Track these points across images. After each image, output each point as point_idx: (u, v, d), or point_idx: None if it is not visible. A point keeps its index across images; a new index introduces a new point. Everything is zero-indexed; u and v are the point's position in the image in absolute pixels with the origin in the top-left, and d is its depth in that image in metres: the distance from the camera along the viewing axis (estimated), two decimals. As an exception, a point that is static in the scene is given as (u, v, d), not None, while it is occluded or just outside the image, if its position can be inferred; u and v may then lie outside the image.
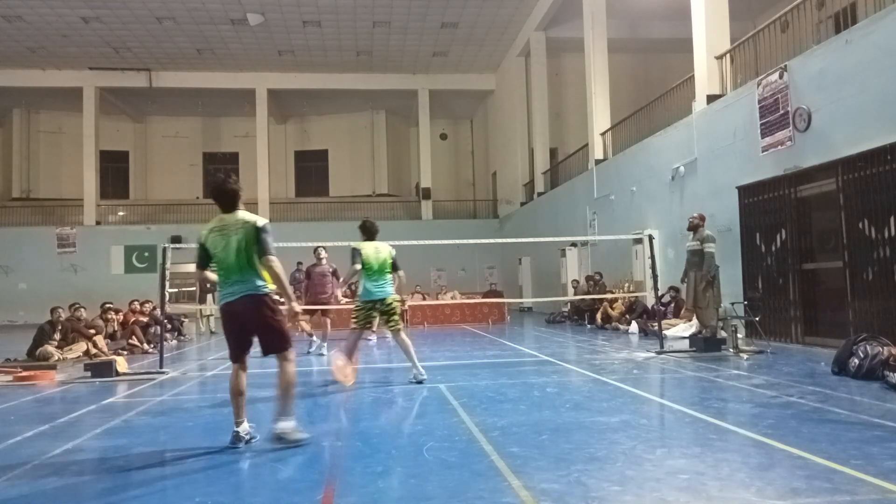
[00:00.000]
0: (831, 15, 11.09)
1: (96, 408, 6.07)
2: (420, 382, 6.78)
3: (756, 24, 14.45)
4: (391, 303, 6.96)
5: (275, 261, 4.34)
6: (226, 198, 4.53)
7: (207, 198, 28.72)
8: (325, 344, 10.44)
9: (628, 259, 14.69)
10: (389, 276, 7.04)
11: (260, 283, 4.37)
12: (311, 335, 10.94)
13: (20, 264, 24.60)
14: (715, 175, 11.44)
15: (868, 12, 8.65)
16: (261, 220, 4.43)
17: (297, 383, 4.46)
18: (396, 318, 7.03)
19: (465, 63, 25.23)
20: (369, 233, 7.15)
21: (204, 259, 4.50)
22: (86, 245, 24.77)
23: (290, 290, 4.46)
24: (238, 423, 4.39)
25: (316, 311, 10.85)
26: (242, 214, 4.48)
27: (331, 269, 11.17)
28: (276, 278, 4.33)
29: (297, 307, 4.46)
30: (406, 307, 8.31)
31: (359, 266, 6.85)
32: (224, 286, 4.43)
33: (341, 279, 7.57)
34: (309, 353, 10.31)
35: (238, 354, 4.50)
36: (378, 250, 6.99)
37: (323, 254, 11.14)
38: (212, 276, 4.59)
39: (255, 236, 4.35)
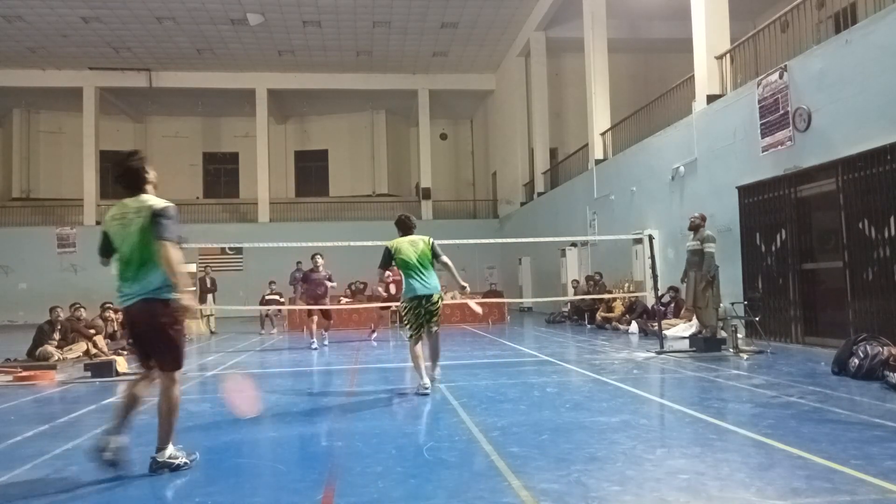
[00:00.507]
0: (831, 15, 11.08)
1: (96, 408, 6.07)
2: (435, 381, 6.55)
3: (756, 24, 14.45)
4: (437, 301, 6.46)
5: (169, 246, 3.66)
6: (127, 177, 3.85)
7: (208, 197, 29.04)
8: (325, 334, 11.28)
9: (628, 259, 14.69)
10: (433, 272, 6.52)
11: (160, 284, 3.72)
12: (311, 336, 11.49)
13: (20, 264, 24.61)
14: (715, 175, 11.44)
15: (868, 12, 8.65)
16: (161, 203, 3.75)
17: (179, 407, 3.85)
18: (438, 318, 6.54)
19: (465, 63, 25.23)
20: (405, 227, 6.72)
21: (106, 248, 3.90)
22: (86, 245, 24.75)
23: (183, 280, 3.74)
24: (115, 432, 3.74)
25: (315, 310, 11.52)
26: (146, 198, 3.80)
27: (326, 275, 11.81)
28: (168, 265, 3.65)
29: (191, 302, 3.79)
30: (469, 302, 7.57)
31: (384, 269, 6.62)
32: (121, 285, 3.81)
33: (379, 282, 7.12)
34: (315, 349, 10.96)
35: (143, 361, 3.95)
36: (414, 243, 6.55)
37: (320, 261, 11.72)
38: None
39: (152, 221, 3.69)
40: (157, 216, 3.69)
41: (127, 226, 3.75)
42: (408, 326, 6.53)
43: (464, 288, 6.69)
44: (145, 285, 3.72)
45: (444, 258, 6.55)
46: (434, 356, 6.64)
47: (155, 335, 3.76)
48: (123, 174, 3.86)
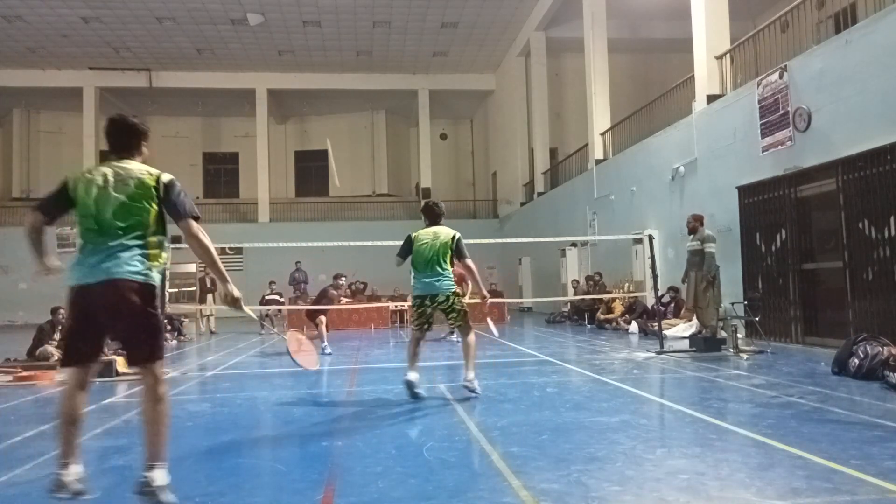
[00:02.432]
0: (831, 15, 11.09)
1: (96, 408, 6.06)
2: (469, 388, 5.97)
3: (756, 24, 14.45)
4: (447, 300, 6.01)
5: (199, 226, 3.17)
6: (125, 136, 3.34)
7: (208, 197, 29.02)
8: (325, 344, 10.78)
9: (628, 259, 14.69)
10: (447, 271, 6.04)
11: (142, 265, 3.09)
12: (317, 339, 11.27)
13: (20, 264, 24.54)
14: (715, 175, 11.44)
15: (868, 12, 8.66)
16: (169, 175, 3.25)
17: (169, 413, 3.17)
18: (455, 315, 6.08)
19: (465, 63, 25.22)
20: (432, 215, 6.23)
21: (53, 203, 3.23)
22: (86, 245, 24.74)
23: (223, 268, 3.24)
24: (64, 465, 3.00)
25: (321, 314, 11.31)
26: (142, 165, 3.30)
27: (339, 295, 11.84)
28: (206, 251, 3.13)
29: (236, 291, 3.27)
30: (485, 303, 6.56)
31: (399, 259, 6.20)
32: (85, 256, 3.11)
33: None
34: (327, 353, 10.48)
35: (79, 358, 3.12)
36: (435, 235, 6.06)
37: (342, 282, 11.80)
38: (38, 225, 3.31)
39: (159, 193, 3.15)
40: (170, 188, 3.17)
41: (108, 185, 3.12)
42: (412, 323, 6.31)
43: (485, 297, 6.33)
44: (121, 262, 3.03)
45: (468, 261, 6.10)
46: (465, 358, 6.06)
47: (130, 317, 3.06)
48: (122, 131, 3.34)
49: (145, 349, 3.12)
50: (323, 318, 11.35)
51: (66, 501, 2.97)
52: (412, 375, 5.94)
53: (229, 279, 3.25)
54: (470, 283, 6.20)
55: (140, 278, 3.08)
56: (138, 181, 3.17)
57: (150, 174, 3.22)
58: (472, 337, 6.08)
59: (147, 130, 3.43)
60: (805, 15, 9.93)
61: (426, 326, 6.21)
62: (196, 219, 3.19)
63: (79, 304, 3.10)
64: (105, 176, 3.17)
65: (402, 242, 6.20)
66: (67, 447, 3.04)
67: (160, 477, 3.02)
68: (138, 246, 3.12)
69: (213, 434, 4.85)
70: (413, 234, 6.17)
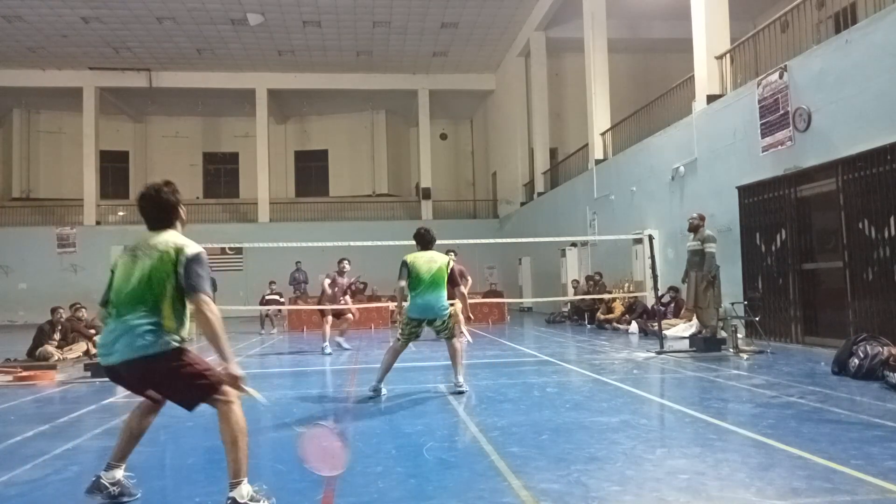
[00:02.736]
0: (831, 15, 11.09)
1: (96, 408, 6.07)
2: (460, 392, 6.16)
3: (756, 24, 14.46)
4: (443, 323, 6.28)
5: (208, 302, 3.08)
6: (157, 211, 3.27)
7: (208, 197, 29.03)
8: (341, 338, 11.25)
9: (628, 259, 14.69)
10: (443, 292, 6.25)
11: (153, 335, 3.05)
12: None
13: (20, 264, 24.60)
14: (715, 175, 11.44)
15: (868, 12, 8.65)
16: (194, 246, 3.20)
17: (246, 431, 3.15)
18: (447, 332, 6.36)
19: (465, 63, 25.22)
20: (424, 241, 6.43)
21: (109, 290, 3.24)
22: (86, 245, 24.75)
23: (227, 346, 3.11)
24: (111, 467, 3.27)
25: (328, 312, 11.29)
26: (174, 236, 3.25)
27: (350, 281, 11.73)
28: (207, 327, 3.05)
29: (237, 369, 3.12)
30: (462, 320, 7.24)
31: (403, 282, 6.26)
32: (104, 331, 3.16)
33: (396, 302, 6.63)
34: (326, 353, 10.56)
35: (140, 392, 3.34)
36: (432, 260, 6.28)
37: (347, 267, 11.47)
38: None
39: (176, 265, 3.10)
40: (191, 262, 3.10)
41: (138, 260, 3.14)
42: (399, 333, 6.43)
43: (469, 318, 6.72)
44: (134, 339, 3.03)
45: (462, 289, 6.44)
46: (454, 363, 6.36)
47: (170, 386, 3.15)
48: (154, 207, 3.26)
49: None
50: (349, 315, 11.37)
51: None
52: (382, 387, 6.21)
53: (232, 359, 3.15)
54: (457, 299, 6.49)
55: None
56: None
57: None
58: (457, 343, 6.40)
59: (177, 201, 3.35)
60: (805, 15, 9.92)
61: (413, 340, 6.43)
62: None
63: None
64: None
65: (399, 269, 6.30)
66: (118, 451, 3.31)
67: (245, 491, 3.06)
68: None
69: (213, 434, 4.81)
70: (408, 258, 6.32)
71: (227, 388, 3.14)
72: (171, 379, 3.10)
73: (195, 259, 3.13)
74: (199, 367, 3.14)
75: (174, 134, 29.88)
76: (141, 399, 3.34)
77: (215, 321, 3.05)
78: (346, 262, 11.41)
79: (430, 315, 6.20)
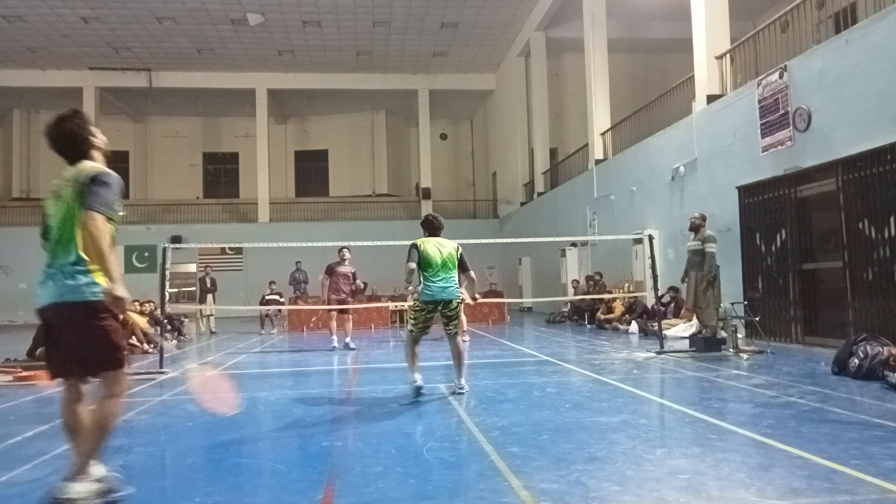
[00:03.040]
0: (831, 15, 11.08)
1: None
2: (461, 393, 6.07)
3: (756, 24, 14.46)
4: (457, 307, 6.13)
5: (98, 218, 2.93)
6: (63, 142, 3.18)
7: (208, 197, 29.03)
8: (349, 340, 11.08)
9: (628, 259, 14.70)
10: (455, 275, 6.14)
11: (83, 281, 2.98)
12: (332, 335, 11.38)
13: (20, 264, 24.57)
14: (715, 175, 11.44)
15: (868, 12, 8.65)
16: (99, 167, 3.11)
17: (113, 429, 3.10)
18: (457, 322, 6.25)
19: (465, 63, 25.23)
20: (432, 228, 6.31)
21: (45, 229, 3.18)
22: (86, 245, 24.73)
23: (113, 266, 2.97)
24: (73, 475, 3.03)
25: (336, 310, 11.27)
26: (83, 166, 3.12)
27: (352, 271, 11.43)
28: (92, 242, 2.92)
29: (121, 291, 2.96)
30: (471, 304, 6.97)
31: (413, 264, 6.01)
32: (42, 275, 3.08)
33: (406, 282, 6.19)
34: (334, 348, 10.83)
35: (61, 369, 3.14)
36: (441, 245, 6.15)
37: (347, 255, 11.31)
38: None
39: (83, 190, 2.97)
40: (91, 183, 2.98)
41: (59, 199, 3.05)
42: (412, 324, 6.21)
43: (475, 299, 6.70)
44: (64, 279, 2.97)
45: (472, 273, 6.28)
46: (458, 363, 6.24)
47: (81, 339, 3.01)
48: (58, 138, 3.16)
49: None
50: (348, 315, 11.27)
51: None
52: (419, 379, 5.99)
53: (118, 279, 3.01)
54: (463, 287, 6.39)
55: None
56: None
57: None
58: (461, 342, 6.32)
59: (84, 127, 3.26)
60: (805, 15, 9.93)
61: (427, 331, 6.22)
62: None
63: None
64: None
65: (409, 252, 6.10)
66: (72, 455, 3.10)
67: (79, 489, 2.96)
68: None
69: (213, 434, 4.85)
70: (417, 241, 6.18)
71: (124, 376, 3.11)
72: (87, 331, 3.01)
73: (95, 178, 3.01)
74: (116, 337, 3.08)
75: (174, 134, 29.89)
76: (63, 393, 3.21)
77: (101, 238, 2.91)
78: (345, 250, 11.27)
79: (444, 296, 6.01)
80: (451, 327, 6.25)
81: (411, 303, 6.35)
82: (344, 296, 11.23)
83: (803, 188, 9.27)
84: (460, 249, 6.25)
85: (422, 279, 6.07)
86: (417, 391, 5.95)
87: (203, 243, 19.73)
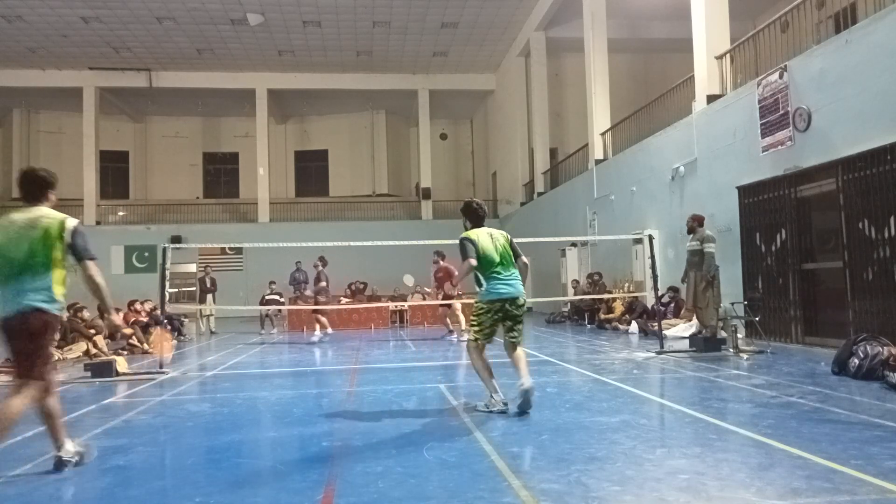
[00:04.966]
0: (831, 15, 11.08)
1: (96, 408, 6.07)
2: (529, 394, 5.23)
3: (756, 24, 14.45)
4: (523, 304, 5.41)
5: (92, 266, 3.87)
6: (32, 185, 3.93)
7: (208, 197, 29.02)
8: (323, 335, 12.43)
9: (628, 259, 14.69)
10: (515, 268, 5.43)
11: (45, 297, 3.76)
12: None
13: (20, 264, 24.57)
14: (715, 175, 11.44)
15: (868, 12, 8.65)
16: (72, 221, 3.85)
17: (12, 427, 3.65)
18: (521, 327, 5.43)
19: (465, 63, 25.22)
20: (476, 216, 5.54)
21: None
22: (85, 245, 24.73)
23: (110, 301, 3.97)
24: (58, 447, 3.84)
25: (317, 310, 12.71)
26: (47, 210, 3.89)
27: (321, 280, 13.11)
28: (96, 289, 3.85)
29: (118, 320, 3.95)
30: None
31: (474, 261, 5.25)
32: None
33: (455, 278, 5.69)
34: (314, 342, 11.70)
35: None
36: (493, 237, 5.43)
37: (319, 267, 13.13)
38: None
39: (61, 235, 3.77)
40: (75, 235, 3.78)
41: (18, 233, 3.74)
42: (476, 330, 5.39)
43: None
44: (29, 297, 3.68)
45: (525, 259, 5.56)
46: (520, 367, 5.34)
47: (27, 342, 3.68)
48: (30, 182, 3.92)
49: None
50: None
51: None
52: (501, 398, 5.29)
53: (113, 311, 4.02)
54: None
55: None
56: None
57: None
58: (521, 349, 5.49)
59: (51, 179, 3.98)
60: (805, 15, 9.92)
61: (492, 337, 5.45)
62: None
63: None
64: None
65: (463, 247, 5.35)
66: (54, 434, 3.83)
67: (70, 448, 3.80)
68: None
69: (213, 434, 4.85)
70: (471, 234, 5.41)
71: (43, 385, 3.71)
72: (33, 336, 3.67)
73: (76, 231, 3.79)
74: (48, 351, 3.78)
75: (174, 134, 29.89)
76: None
77: (101, 282, 3.83)
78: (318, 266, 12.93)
79: (514, 293, 5.30)
80: (514, 333, 5.40)
81: (464, 303, 5.64)
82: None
83: (803, 188, 9.27)
84: (510, 237, 5.62)
85: (482, 277, 5.35)
86: (504, 405, 5.23)
87: (203, 243, 19.74)
